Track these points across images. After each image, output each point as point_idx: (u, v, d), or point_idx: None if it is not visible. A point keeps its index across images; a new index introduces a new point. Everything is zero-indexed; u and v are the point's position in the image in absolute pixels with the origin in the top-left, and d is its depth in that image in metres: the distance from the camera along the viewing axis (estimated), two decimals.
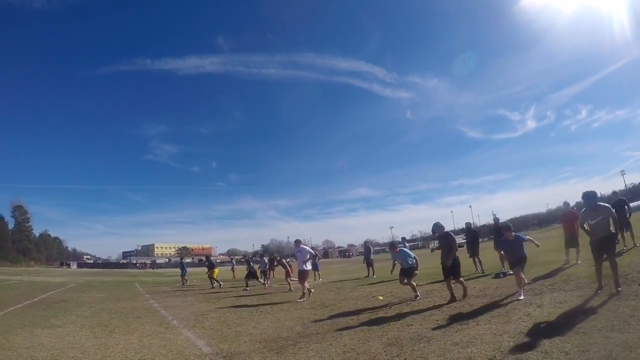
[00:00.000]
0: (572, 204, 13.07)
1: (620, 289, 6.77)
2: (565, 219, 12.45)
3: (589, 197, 7.30)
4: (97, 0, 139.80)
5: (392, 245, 10.65)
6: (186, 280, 24.35)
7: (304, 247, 12.54)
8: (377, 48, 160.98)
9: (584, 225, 7.57)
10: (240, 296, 14.69)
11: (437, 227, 8.99)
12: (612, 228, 7.28)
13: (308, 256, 12.11)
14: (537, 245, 8.37)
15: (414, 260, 9.87)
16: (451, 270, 8.60)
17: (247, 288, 17.33)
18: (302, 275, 11.85)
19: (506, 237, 8.43)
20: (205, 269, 22.95)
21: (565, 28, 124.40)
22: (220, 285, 19.60)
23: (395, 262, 10.19)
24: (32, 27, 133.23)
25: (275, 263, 15.39)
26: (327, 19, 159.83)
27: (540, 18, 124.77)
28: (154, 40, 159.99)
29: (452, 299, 8.42)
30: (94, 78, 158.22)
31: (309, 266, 12.12)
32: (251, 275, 18.19)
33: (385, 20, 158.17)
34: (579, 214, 12.41)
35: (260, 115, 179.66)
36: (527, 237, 8.79)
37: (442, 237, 9.02)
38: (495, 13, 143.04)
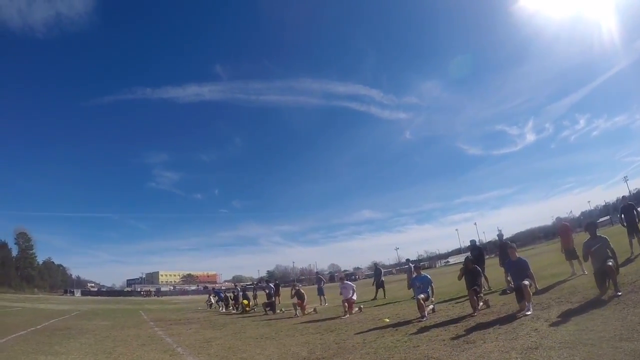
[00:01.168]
0: (564, 216, 13.45)
1: (620, 293, 7.18)
2: (561, 233, 12.99)
3: (590, 226, 8.57)
4: (97, 31, 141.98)
5: (417, 267, 10.70)
6: (226, 306, 23.92)
7: (347, 282, 14.28)
8: (373, 70, 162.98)
9: (588, 255, 8.22)
10: (246, 323, 14.57)
11: (471, 241, 13.80)
12: (609, 254, 7.82)
13: (351, 290, 13.64)
14: None
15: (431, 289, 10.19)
16: (474, 281, 9.16)
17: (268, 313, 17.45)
18: (351, 302, 13.36)
19: (510, 256, 8.86)
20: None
21: (557, 38, 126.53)
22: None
23: (413, 288, 10.20)
24: (34, 56, 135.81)
25: (293, 292, 15.42)
26: (322, 43, 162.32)
27: (531, 30, 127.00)
28: (153, 69, 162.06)
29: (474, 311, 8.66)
30: (96, 108, 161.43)
31: (355, 297, 13.70)
32: (270, 305, 18.10)
33: (379, 42, 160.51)
34: (571, 227, 12.97)
35: (261, 141, 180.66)
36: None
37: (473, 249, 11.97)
38: (487, 28, 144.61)
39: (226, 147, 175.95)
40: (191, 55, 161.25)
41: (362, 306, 14.06)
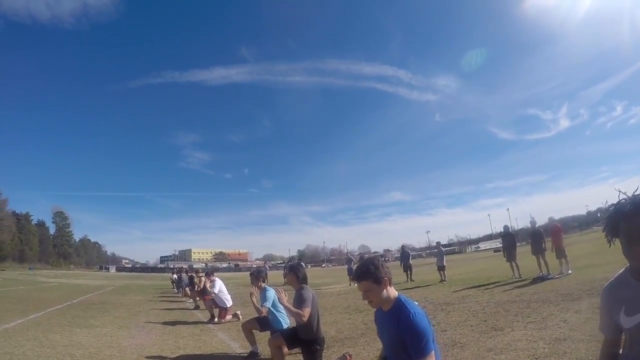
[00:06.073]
0: (599, 206, 13.94)
1: None
2: (552, 233, 13.47)
3: None
4: (123, 18, 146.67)
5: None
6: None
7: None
8: (400, 51, 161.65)
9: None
10: None
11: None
12: None
13: None
14: None
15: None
16: None
17: None
18: None
19: None
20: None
21: (590, 20, 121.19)
22: None
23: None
24: (64, 47, 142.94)
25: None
26: (348, 24, 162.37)
27: (563, 10, 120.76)
28: (180, 53, 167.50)
29: None
30: (126, 92, 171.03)
31: None
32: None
33: (406, 22, 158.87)
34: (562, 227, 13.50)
35: (289, 121, 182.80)
36: None
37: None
38: (519, 9, 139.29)
39: (255, 127, 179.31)
40: (217, 38, 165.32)
41: None
